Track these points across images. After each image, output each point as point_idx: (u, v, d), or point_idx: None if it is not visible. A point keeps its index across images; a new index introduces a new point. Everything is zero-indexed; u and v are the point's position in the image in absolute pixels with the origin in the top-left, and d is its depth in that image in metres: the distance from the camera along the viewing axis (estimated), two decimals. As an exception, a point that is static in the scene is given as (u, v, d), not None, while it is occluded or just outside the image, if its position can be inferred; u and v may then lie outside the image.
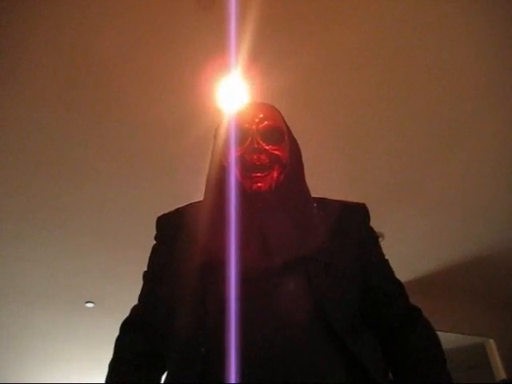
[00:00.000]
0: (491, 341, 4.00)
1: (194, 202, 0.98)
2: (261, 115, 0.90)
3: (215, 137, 0.97)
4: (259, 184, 0.86)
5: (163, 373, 0.86)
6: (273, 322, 0.73)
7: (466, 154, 2.61)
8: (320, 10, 1.90)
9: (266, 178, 0.86)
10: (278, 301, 0.75)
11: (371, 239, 0.95)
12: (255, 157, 0.86)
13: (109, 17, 1.90)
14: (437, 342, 0.83)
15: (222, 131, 0.94)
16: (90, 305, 4.06)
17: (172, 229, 0.92)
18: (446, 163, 2.68)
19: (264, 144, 0.87)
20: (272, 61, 2.08)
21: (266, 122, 0.90)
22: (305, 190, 0.93)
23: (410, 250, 3.45)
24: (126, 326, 0.91)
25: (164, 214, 0.99)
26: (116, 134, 2.41)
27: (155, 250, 0.96)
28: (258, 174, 0.86)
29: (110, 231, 3.13)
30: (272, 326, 0.73)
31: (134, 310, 0.93)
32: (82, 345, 4.83)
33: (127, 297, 4.54)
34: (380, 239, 3.56)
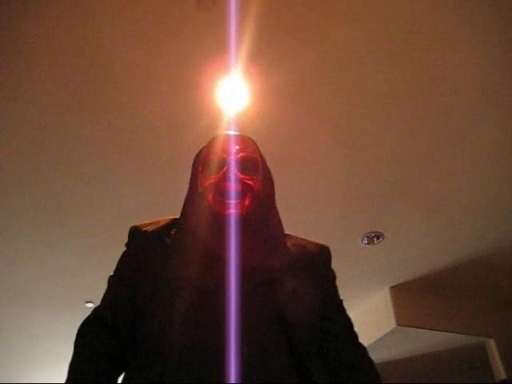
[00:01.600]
0: (491, 341, 3.99)
1: (172, 218, 1.02)
2: (237, 146, 0.97)
3: (193, 163, 1.03)
4: (231, 210, 0.90)
5: (121, 373, 0.88)
6: (242, 331, 0.78)
7: (465, 153, 2.61)
8: (320, 10, 1.90)
9: (238, 205, 0.91)
10: (244, 315, 0.79)
11: (331, 278, 1.03)
12: (229, 185, 0.91)
13: (109, 17, 1.90)
14: (378, 380, 0.91)
15: (200, 158, 1.00)
16: (90, 305, 4.06)
17: (145, 239, 0.96)
18: (446, 163, 2.68)
19: (238, 174, 0.93)
20: (272, 61, 2.09)
21: (242, 153, 0.96)
22: (275, 219, 0.98)
23: (410, 250, 3.45)
24: (86, 326, 0.95)
25: (139, 225, 1.03)
26: (116, 134, 2.42)
27: (125, 257, 1.01)
28: (231, 201, 0.91)
29: (110, 231, 3.13)
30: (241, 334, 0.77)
31: (97, 309, 0.97)
32: (82, 345, 4.83)
33: (127, 297, 4.46)
34: (380, 239, 3.52)
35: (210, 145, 1.01)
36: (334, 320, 0.96)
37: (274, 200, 1.01)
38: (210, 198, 0.93)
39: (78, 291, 3.86)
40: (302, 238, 1.03)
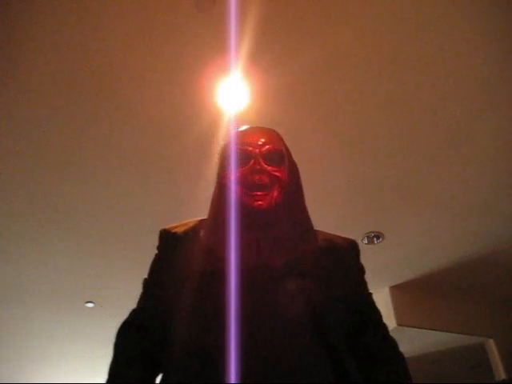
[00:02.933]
0: (491, 341, 3.99)
1: (200, 219, 1.04)
2: (263, 139, 0.98)
3: (220, 157, 1.04)
4: (260, 202, 0.91)
5: (158, 374, 0.89)
6: (271, 323, 0.79)
7: (466, 153, 2.61)
8: (320, 10, 1.90)
9: (266, 197, 0.92)
10: (275, 305, 0.81)
11: (360, 272, 1.02)
12: (257, 177, 0.93)
13: (109, 18, 1.90)
14: (407, 376, 0.92)
15: (227, 153, 1.00)
16: (90, 305, 4.06)
17: (174, 240, 0.99)
18: (446, 163, 2.68)
19: (265, 165, 0.94)
20: (272, 61, 2.09)
21: (267, 146, 0.97)
22: (303, 210, 1.00)
23: (410, 250, 3.45)
24: (124, 328, 0.95)
25: (168, 227, 1.04)
26: (116, 134, 2.42)
27: (156, 260, 1.02)
28: (259, 193, 0.92)
29: (110, 231, 3.13)
30: (270, 326, 0.79)
31: (133, 313, 0.98)
32: (82, 345, 4.83)
33: (127, 297, 4.53)
34: (380, 239, 3.52)
35: (236, 138, 1.01)
36: (362, 313, 0.96)
37: (302, 190, 1.02)
38: (238, 190, 0.94)
39: (78, 291, 3.86)
40: (329, 233, 1.03)
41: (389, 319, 3.70)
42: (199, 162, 2.59)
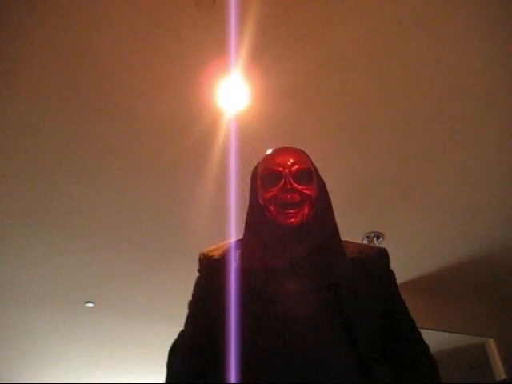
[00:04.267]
0: (491, 341, 3.99)
1: (234, 240, 1.10)
2: (292, 160, 1.05)
3: (252, 178, 1.12)
4: (292, 219, 0.98)
5: None
6: (309, 336, 0.86)
7: (466, 153, 2.61)
8: (320, 10, 1.90)
9: (298, 214, 0.99)
10: (308, 320, 0.87)
11: (391, 279, 1.06)
12: (288, 196, 0.99)
13: (109, 18, 1.90)
14: (436, 381, 0.97)
15: (259, 174, 1.08)
16: (90, 305, 4.06)
17: (212, 263, 1.05)
18: (446, 163, 2.68)
19: (296, 184, 1.01)
20: (272, 61, 2.09)
21: (296, 166, 1.04)
22: (333, 224, 1.06)
23: (409, 250, 3.45)
24: (175, 349, 1.02)
25: (206, 251, 1.10)
26: (116, 134, 2.42)
27: (198, 283, 1.09)
28: (291, 211, 0.99)
29: (110, 231, 3.13)
30: (308, 339, 0.86)
31: (181, 334, 1.05)
32: (82, 345, 4.83)
33: (127, 297, 4.58)
34: (380, 239, 3.52)
35: (266, 160, 1.08)
36: (394, 320, 0.99)
37: (331, 205, 1.09)
38: (271, 209, 1.01)
39: (78, 291, 3.86)
40: (359, 244, 1.09)
41: (389, 319, 3.69)
42: (199, 161, 2.59)
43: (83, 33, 1.95)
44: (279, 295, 0.91)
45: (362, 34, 2.00)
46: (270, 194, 1.01)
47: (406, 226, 3.20)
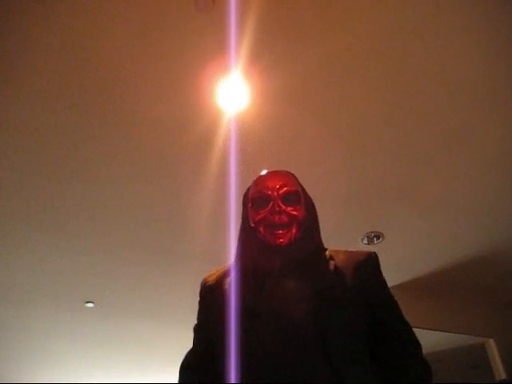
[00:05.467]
0: (491, 341, 4.00)
1: (231, 263, 1.17)
2: (280, 183, 1.11)
3: (243, 201, 1.18)
4: (281, 240, 1.04)
5: None
6: (281, 342, 0.91)
7: (466, 154, 2.61)
8: (320, 10, 1.90)
9: (287, 235, 1.05)
10: (287, 326, 0.93)
11: (379, 281, 1.10)
12: (277, 217, 1.06)
13: (109, 18, 1.90)
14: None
15: (249, 197, 1.15)
16: (89, 305, 4.06)
17: (207, 288, 1.14)
18: (446, 164, 2.68)
19: (284, 206, 1.07)
20: (272, 61, 2.09)
21: (284, 188, 1.10)
22: (318, 240, 1.13)
23: (409, 250, 3.45)
24: (183, 369, 1.11)
25: (205, 276, 1.19)
26: (116, 134, 2.42)
27: (199, 307, 1.18)
28: (280, 231, 1.05)
29: (110, 231, 3.13)
30: (280, 344, 0.91)
31: (188, 355, 1.14)
32: (82, 345, 4.83)
33: (127, 297, 4.57)
34: (380, 239, 3.52)
35: (256, 183, 1.15)
36: (384, 323, 1.02)
37: (318, 223, 1.16)
38: (261, 230, 1.07)
39: (78, 291, 3.86)
40: (349, 251, 1.13)
41: (389, 319, 3.69)
42: (199, 161, 2.59)
43: (83, 33, 1.95)
44: (267, 310, 0.96)
45: (361, 35, 2.00)
46: (260, 216, 1.08)
47: (405, 226, 3.20)
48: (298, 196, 1.12)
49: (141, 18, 1.91)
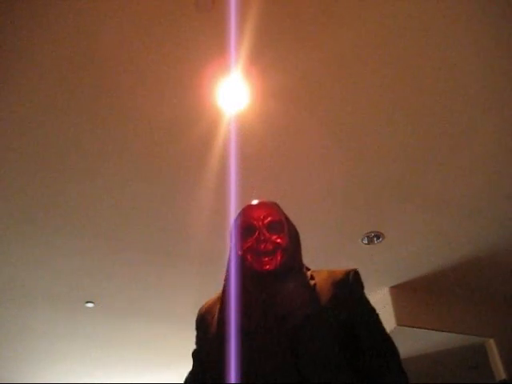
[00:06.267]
0: (491, 341, 3.99)
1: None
2: (265, 213, 1.19)
3: (231, 231, 1.26)
4: (267, 266, 1.13)
5: None
6: (262, 363, 1.00)
7: (466, 154, 2.61)
8: (320, 10, 1.90)
9: (272, 261, 1.13)
10: (264, 346, 1.01)
11: (357, 297, 1.14)
12: (262, 245, 1.14)
13: (109, 18, 1.90)
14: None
15: (237, 227, 1.23)
16: (89, 305, 4.06)
17: (200, 317, 1.24)
18: (447, 163, 2.68)
19: (268, 235, 1.16)
20: (272, 61, 2.09)
21: (269, 218, 1.18)
22: (299, 263, 1.20)
23: (409, 250, 3.45)
24: None
25: (201, 307, 1.27)
26: (116, 134, 2.42)
27: (195, 335, 1.26)
28: (266, 259, 1.13)
29: (110, 231, 3.13)
30: (261, 365, 0.99)
31: (188, 377, 1.23)
32: (82, 345, 4.83)
33: (127, 297, 4.57)
34: (380, 239, 3.52)
35: (242, 214, 1.23)
36: (362, 336, 1.06)
37: (300, 248, 1.24)
38: (249, 258, 1.16)
39: (78, 291, 3.86)
40: (331, 270, 1.18)
41: (389, 319, 3.69)
42: (199, 161, 2.59)
43: (84, 33, 1.95)
44: (253, 331, 1.04)
45: (361, 34, 2.00)
46: (247, 244, 1.16)
47: (405, 226, 3.20)
48: (282, 225, 1.20)
49: (141, 18, 1.91)
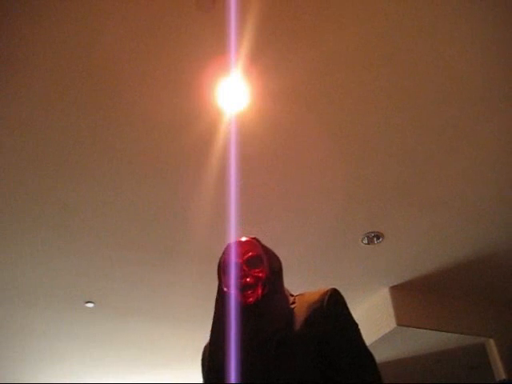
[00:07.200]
0: (491, 341, 3.99)
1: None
2: (244, 250, 1.28)
3: (218, 269, 1.35)
4: (250, 299, 1.22)
5: None
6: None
7: (465, 154, 2.61)
8: (320, 10, 1.90)
9: (253, 294, 1.22)
10: (252, 373, 1.10)
11: (333, 315, 1.18)
12: (244, 280, 1.23)
13: (110, 18, 1.90)
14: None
15: (221, 265, 1.32)
16: (90, 305, 4.06)
17: (204, 353, 1.34)
18: (446, 163, 2.68)
19: (248, 270, 1.24)
20: (272, 61, 2.09)
21: (249, 253, 1.28)
22: (282, 294, 1.28)
23: (409, 250, 3.45)
24: None
25: (205, 344, 1.36)
26: (116, 133, 2.42)
27: (202, 376, 1.32)
28: (248, 292, 1.22)
29: (110, 231, 3.13)
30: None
31: None
32: (82, 345, 4.83)
33: (127, 297, 4.57)
34: (380, 239, 3.52)
35: (225, 253, 1.32)
36: (338, 353, 1.11)
37: (281, 277, 1.32)
38: (233, 293, 1.24)
39: (78, 291, 3.86)
40: (312, 293, 1.25)
41: (389, 319, 3.70)
42: (199, 161, 2.59)
43: (84, 33, 1.95)
44: (240, 362, 1.12)
45: (361, 34, 2.00)
46: (231, 280, 1.25)
47: (405, 226, 3.20)
48: (261, 259, 1.28)
49: (141, 18, 1.91)
